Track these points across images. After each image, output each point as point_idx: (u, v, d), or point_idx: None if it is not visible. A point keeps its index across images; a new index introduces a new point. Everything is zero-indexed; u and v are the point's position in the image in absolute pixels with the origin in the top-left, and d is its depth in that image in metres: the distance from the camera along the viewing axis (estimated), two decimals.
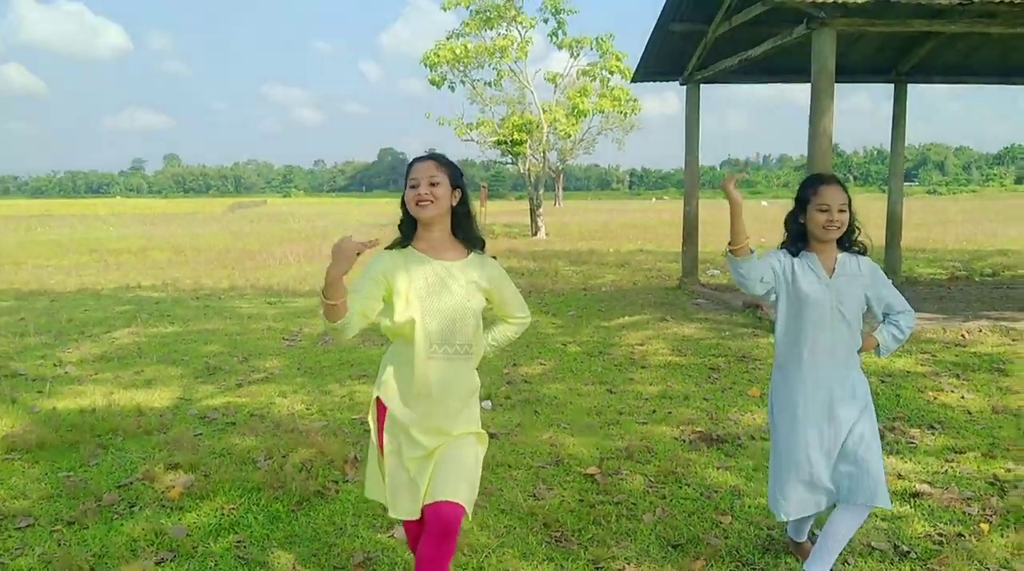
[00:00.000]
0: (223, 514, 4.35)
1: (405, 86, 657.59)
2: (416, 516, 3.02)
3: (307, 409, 6.33)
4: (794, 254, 3.51)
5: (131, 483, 4.80)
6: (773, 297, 3.58)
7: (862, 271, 3.51)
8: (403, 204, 3.08)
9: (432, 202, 3.01)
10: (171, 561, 3.85)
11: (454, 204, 3.07)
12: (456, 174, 3.09)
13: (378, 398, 3.11)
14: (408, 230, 3.10)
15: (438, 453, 3.04)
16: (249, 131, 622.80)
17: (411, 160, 3.14)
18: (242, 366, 7.86)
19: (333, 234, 30.33)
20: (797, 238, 3.52)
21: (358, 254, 2.75)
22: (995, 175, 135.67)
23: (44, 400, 6.62)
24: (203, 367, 7.80)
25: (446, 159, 3.12)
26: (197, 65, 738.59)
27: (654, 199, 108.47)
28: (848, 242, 3.52)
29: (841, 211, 3.38)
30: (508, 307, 3.32)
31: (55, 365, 7.96)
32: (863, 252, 3.54)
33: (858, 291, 3.51)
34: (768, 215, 46.35)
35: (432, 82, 29.83)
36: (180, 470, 4.96)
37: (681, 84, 13.04)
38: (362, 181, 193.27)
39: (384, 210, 62.57)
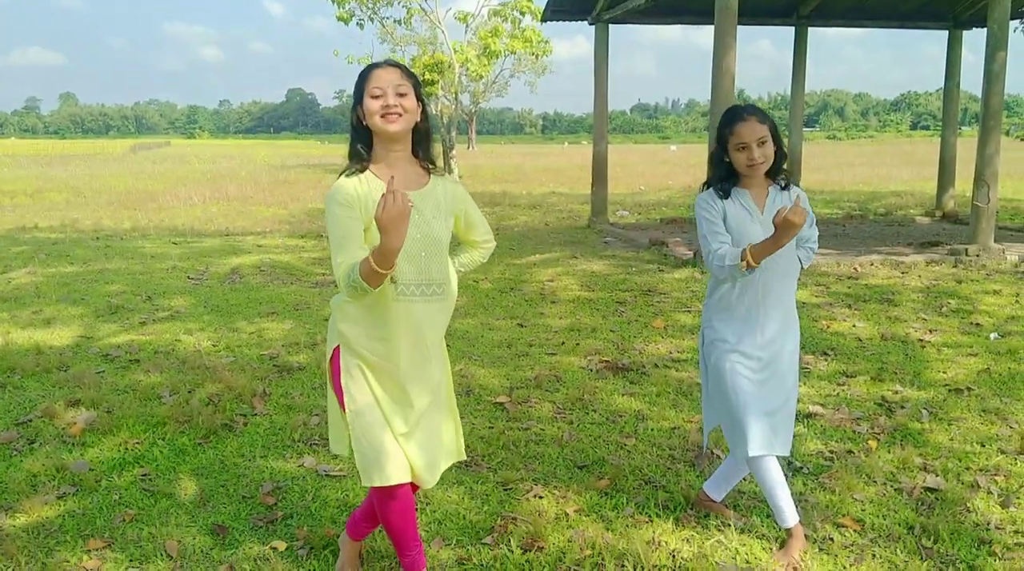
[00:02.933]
0: (127, 449, 4.29)
1: (312, 24, 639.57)
2: (402, 481, 2.78)
3: (214, 346, 6.24)
4: (724, 196, 3.30)
5: (30, 420, 4.67)
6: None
7: (791, 199, 3.27)
8: (354, 121, 2.74)
9: (401, 115, 2.66)
10: (73, 495, 3.79)
11: (418, 120, 2.73)
12: (419, 86, 2.75)
13: (336, 349, 2.80)
14: (362, 151, 2.73)
15: (424, 420, 2.82)
16: (150, 70, 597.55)
17: (366, 67, 2.74)
18: (146, 305, 7.67)
19: (240, 173, 29.58)
20: (725, 178, 3.31)
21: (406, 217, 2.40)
22: (892, 121, 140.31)
23: None
24: (105, 306, 7.58)
25: (407, 68, 2.76)
26: (94, 2, 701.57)
27: (567, 143, 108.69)
28: (777, 173, 3.34)
29: (762, 144, 3.19)
30: (475, 231, 2.99)
31: None
32: (788, 185, 3.38)
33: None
34: (676, 159, 47.13)
35: (340, 19, 29.02)
36: (81, 407, 4.85)
37: (590, 24, 13.03)
38: (270, 122, 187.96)
39: (295, 152, 61.16)
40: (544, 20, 13.60)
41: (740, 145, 3.20)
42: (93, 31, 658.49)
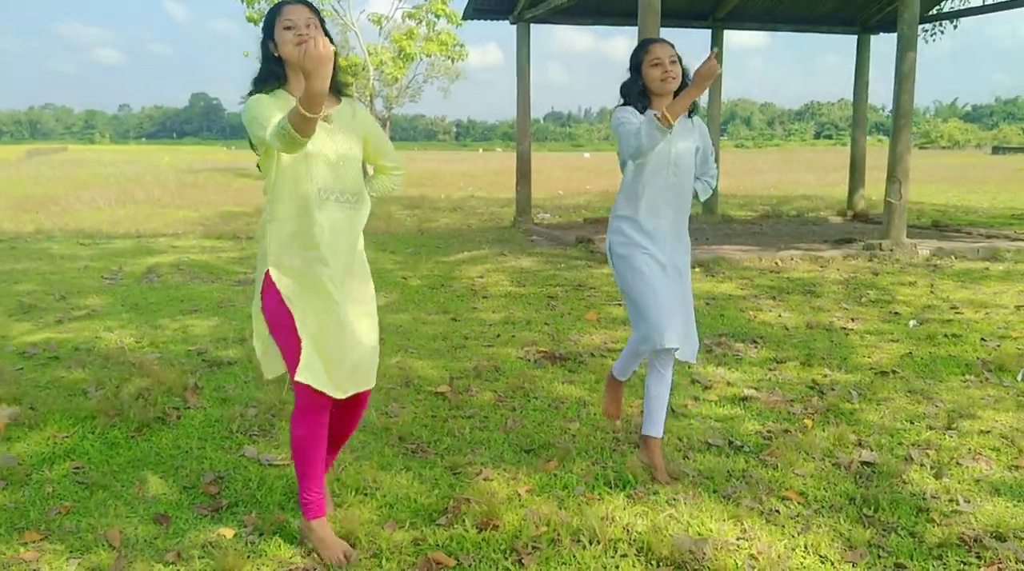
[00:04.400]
0: (56, 442, 4.10)
1: (216, 27, 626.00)
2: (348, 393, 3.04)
3: (137, 343, 6.02)
4: (641, 111, 3.59)
5: None
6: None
7: (694, 125, 3.74)
8: (265, 54, 2.97)
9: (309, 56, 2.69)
10: (3, 489, 3.60)
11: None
12: (323, 22, 2.98)
13: (267, 273, 2.99)
14: (277, 72, 2.96)
15: (352, 327, 3.03)
16: (44, 73, 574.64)
17: (277, 4, 2.98)
18: (60, 304, 7.35)
19: (146, 177, 28.66)
20: (638, 99, 3.63)
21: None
22: (796, 130, 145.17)
23: None
24: (16, 305, 7.24)
25: (313, 5, 2.99)
26: None
27: (482, 150, 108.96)
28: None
29: (672, 63, 3.55)
30: (385, 156, 3.27)
31: None
32: (691, 113, 3.73)
33: (691, 144, 3.71)
34: (590, 165, 47.72)
35: (250, 19, 28.44)
36: (2, 403, 4.61)
37: (512, 23, 13.10)
38: (172, 127, 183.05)
39: (201, 157, 59.63)
40: (466, 19, 13.60)
41: (655, 61, 3.56)
42: None
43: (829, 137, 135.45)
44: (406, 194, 22.73)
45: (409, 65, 31.75)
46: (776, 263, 9.23)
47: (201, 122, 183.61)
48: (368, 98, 31.73)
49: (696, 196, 3.88)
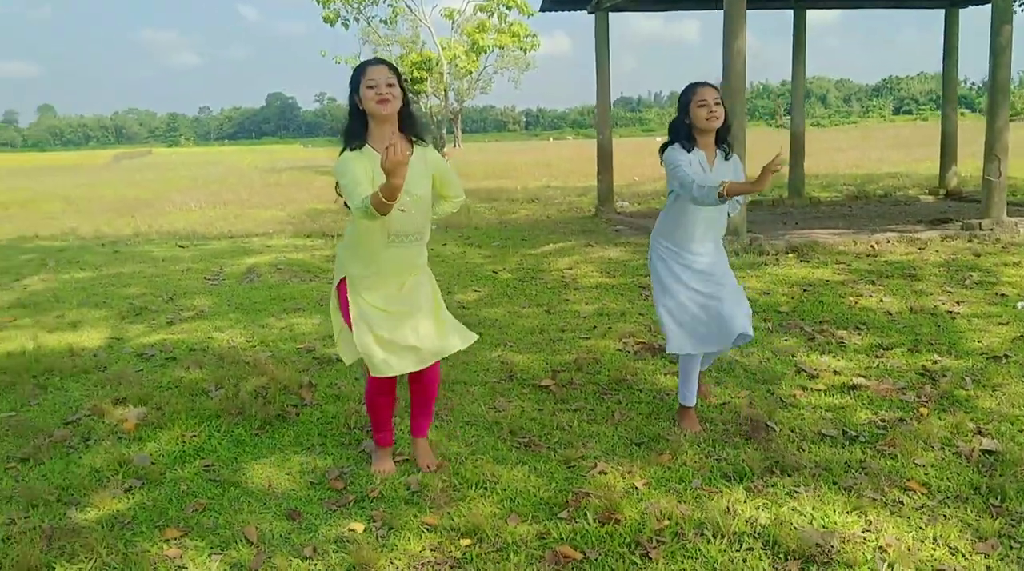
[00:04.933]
0: (184, 441, 4.29)
1: (287, 28, 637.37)
2: (384, 374, 3.62)
3: (248, 342, 6.23)
4: (688, 150, 4.10)
5: (79, 419, 4.66)
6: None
7: (729, 164, 4.21)
8: (352, 107, 3.50)
9: (392, 100, 3.42)
10: (140, 488, 3.78)
11: (402, 104, 3.48)
12: (401, 78, 3.50)
13: (343, 280, 3.64)
14: (359, 129, 3.48)
15: (407, 327, 3.61)
16: (127, 79, 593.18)
17: (361, 64, 3.51)
18: (169, 306, 7.64)
19: (231, 178, 29.46)
20: (687, 138, 4.11)
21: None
22: (875, 106, 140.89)
23: None
24: (128, 308, 7.55)
25: (392, 64, 3.53)
26: (63, 11, 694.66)
27: (552, 139, 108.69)
28: (722, 139, 4.17)
29: (717, 104, 4.02)
30: (449, 187, 3.79)
31: None
32: (729, 154, 4.22)
33: (728, 177, 4.09)
34: None
35: (326, 19, 28.91)
36: (129, 404, 4.84)
37: (589, 13, 13.03)
38: (251, 128, 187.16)
39: (280, 156, 60.92)
40: (544, 11, 13.58)
41: (701, 102, 4.03)
42: (66, 41, 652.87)
43: (909, 112, 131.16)
44: (483, 187, 22.87)
45: (481, 58, 31.89)
46: (872, 246, 9.03)
47: (278, 121, 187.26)
48: (443, 92, 31.99)
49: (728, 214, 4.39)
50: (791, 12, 13.83)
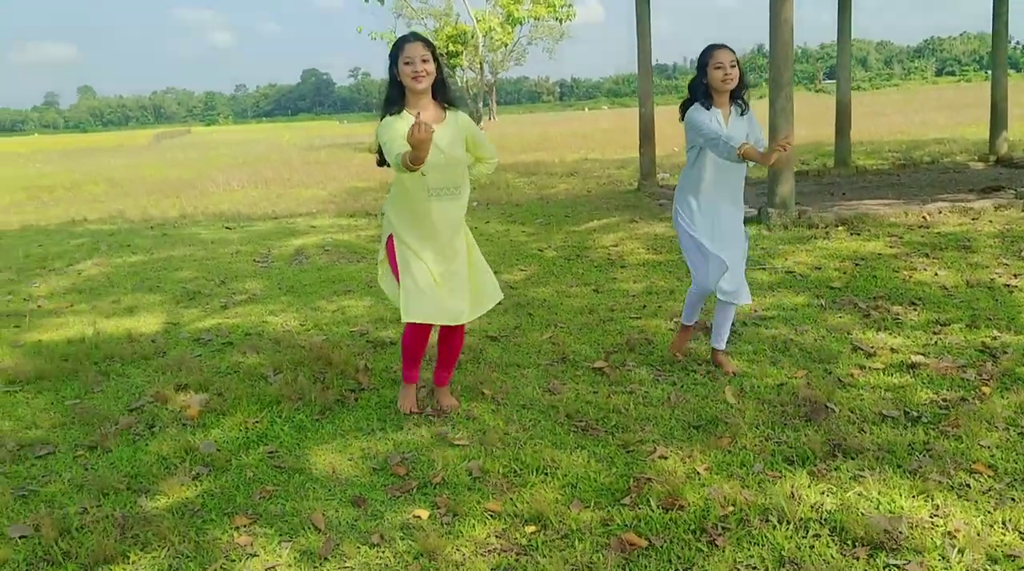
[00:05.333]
0: (247, 428, 4.36)
1: (321, 3, 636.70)
2: (423, 321, 4.11)
3: (302, 325, 6.30)
4: (707, 108, 4.51)
5: (142, 406, 4.76)
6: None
7: (744, 119, 4.58)
8: (391, 78, 3.98)
9: (426, 76, 3.90)
10: (208, 475, 3.86)
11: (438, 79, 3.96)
12: (435, 50, 3.95)
13: (390, 236, 4.15)
14: (397, 98, 3.96)
15: (451, 278, 4.13)
16: (164, 58, 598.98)
17: (399, 40, 3.96)
18: (221, 289, 7.75)
19: (271, 156, 29.67)
20: (704, 96, 4.52)
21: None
22: (916, 68, 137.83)
23: (26, 334, 6.47)
24: (182, 292, 7.67)
25: (428, 39, 3.97)
26: None
27: (587, 109, 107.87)
28: (739, 97, 4.57)
29: (732, 66, 4.41)
30: (482, 149, 4.23)
31: (25, 300, 7.74)
32: (745, 110, 4.59)
33: (742, 134, 4.51)
34: None
35: None
36: (190, 390, 4.93)
37: None
38: (287, 105, 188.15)
39: (317, 133, 61.17)
40: None
41: (717, 64, 4.42)
42: (102, 21, 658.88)
43: (952, 74, 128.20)
44: (520, 161, 22.78)
45: (516, 29, 31.67)
46: (924, 217, 8.86)
47: (314, 98, 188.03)
48: (478, 65, 31.86)
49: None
50: None
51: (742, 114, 4.59)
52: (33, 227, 13.65)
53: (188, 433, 4.33)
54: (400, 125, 3.82)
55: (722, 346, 4.96)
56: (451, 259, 4.13)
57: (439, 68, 3.94)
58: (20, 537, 3.35)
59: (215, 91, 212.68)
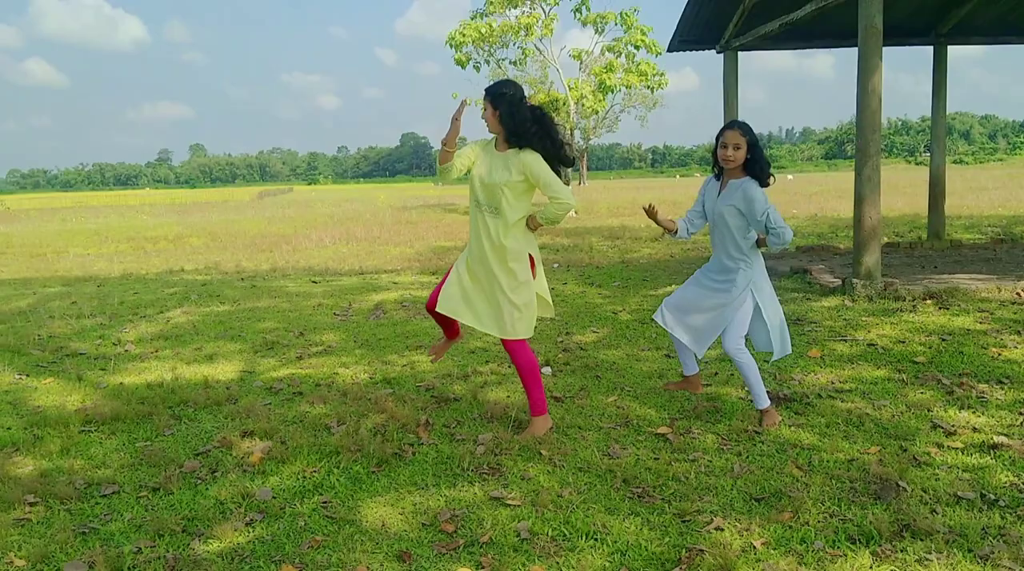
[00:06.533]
0: (305, 477, 4.41)
1: (421, 70, 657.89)
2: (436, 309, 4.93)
3: (371, 379, 6.38)
4: (716, 178, 5.01)
5: (208, 451, 4.86)
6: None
7: (737, 192, 4.82)
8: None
9: (489, 124, 4.71)
10: (261, 522, 3.90)
11: (499, 117, 4.61)
12: (497, 102, 4.61)
13: None
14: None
15: (465, 291, 4.84)
16: (271, 119, 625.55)
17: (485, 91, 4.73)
18: (299, 340, 7.92)
19: (364, 215, 30.48)
20: (717, 168, 4.98)
21: (458, 119, 4.59)
22: (1023, 143, 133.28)
23: (109, 376, 6.72)
24: (261, 342, 7.87)
25: (491, 94, 4.64)
26: (214, 55, 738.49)
27: (678, 176, 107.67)
28: (752, 173, 4.82)
29: (736, 149, 4.76)
30: (547, 189, 4.64)
31: (114, 344, 8.07)
32: (759, 182, 4.82)
33: (731, 207, 4.83)
34: (793, 188, 46.03)
35: (457, 62, 29.74)
36: (255, 437, 5.02)
37: (718, 52, 12.89)
38: (385, 166, 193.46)
39: (413, 194, 62.65)
40: (671, 51, 13.50)
41: (722, 143, 4.82)
42: (216, 83, 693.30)
43: None
44: (605, 225, 22.84)
45: (608, 97, 32.02)
46: (1018, 294, 8.47)
47: (411, 160, 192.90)
48: (568, 131, 32.22)
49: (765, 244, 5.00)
50: (931, 49, 13.31)
51: (742, 187, 4.84)
52: (133, 276, 14.28)
53: (248, 479, 4.40)
54: (472, 149, 4.85)
55: (759, 405, 5.09)
56: (474, 272, 4.79)
57: (500, 114, 4.61)
58: None
59: (318, 152, 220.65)
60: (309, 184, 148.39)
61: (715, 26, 12.50)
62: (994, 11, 12.62)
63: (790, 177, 72.03)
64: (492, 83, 4.67)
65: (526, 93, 4.88)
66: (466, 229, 23.30)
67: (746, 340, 5.04)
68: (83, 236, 25.97)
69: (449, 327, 5.23)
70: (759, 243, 4.95)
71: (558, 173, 4.67)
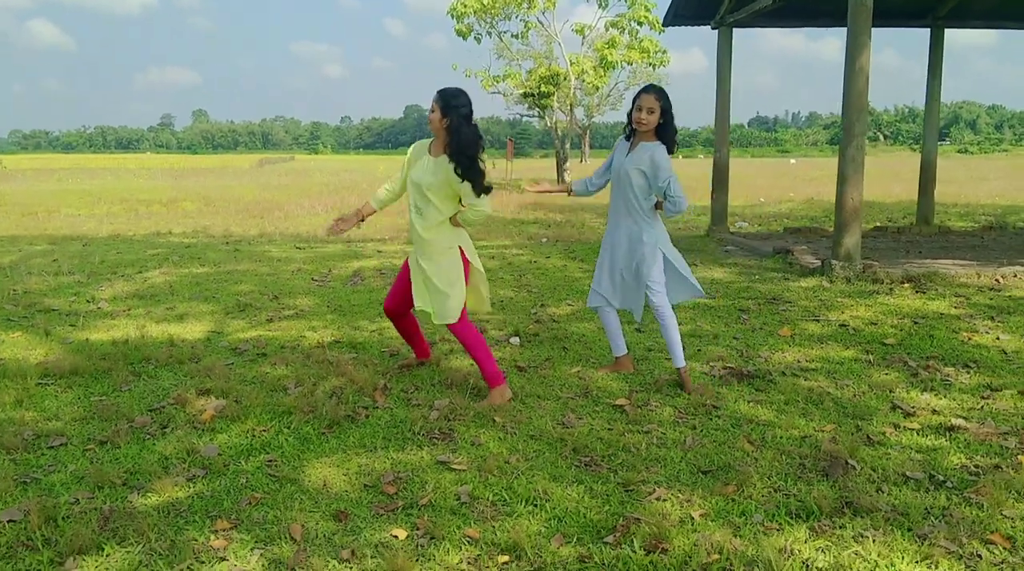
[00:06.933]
0: (254, 435, 4.39)
1: (429, 42, 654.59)
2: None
3: (337, 342, 6.35)
4: (627, 138, 5.22)
5: (163, 407, 4.84)
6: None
7: (645, 154, 5.05)
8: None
9: (432, 125, 4.81)
10: (203, 478, 3.88)
11: (446, 126, 4.69)
12: (448, 110, 4.67)
13: None
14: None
15: (412, 281, 5.03)
16: (276, 87, 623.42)
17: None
18: (272, 304, 7.89)
19: (361, 185, 30.36)
20: (631, 130, 5.16)
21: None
22: None
23: (77, 332, 6.69)
24: (234, 304, 7.84)
25: (444, 99, 4.70)
26: (223, 21, 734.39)
27: (681, 157, 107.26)
28: (664, 139, 5.05)
29: (650, 112, 4.95)
30: (464, 196, 4.82)
31: (88, 301, 8.03)
32: (668, 149, 5.06)
33: (637, 168, 5.07)
34: (796, 171, 45.87)
35: (458, 32, 29.54)
36: (211, 395, 4.99)
37: (713, 28, 12.77)
38: (388, 138, 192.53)
39: None
40: (666, 25, 13.38)
41: (638, 106, 4.99)
42: (224, 50, 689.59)
43: None
44: (602, 202, 22.63)
45: (610, 74, 31.76)
46: (997, 280, 8.44)
47: (414, 133, 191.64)
48: (569, 106, 32.03)
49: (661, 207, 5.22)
50: (928, 32, 13.18)
51: (671, 152, 5.09)
52: (120, 236, 14.23)
53: (196, 436, 4.38)
54: (410, 152, 5.06)
55: (677, 363, 5.26)
56: (416, 265, 4.98)
57: (447, 119, 4.68)
58: (9, 521, 3.41)
59: (321, 122, 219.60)
60: (311, 153, 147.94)
61: (710, 1, 12.37)
62: None
63: (793, 161, 71.75)
64: (447, 88, 4.74)
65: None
66: None
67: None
68: (76, 197, 25.88)
69: (416, 346, 5.63)
70: (657, 206, 5.20)
71: (481, 181, 4.74)
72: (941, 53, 13.08)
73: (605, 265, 5.38)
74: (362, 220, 5.20)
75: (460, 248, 4.91)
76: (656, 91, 5.00)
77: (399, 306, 5.24)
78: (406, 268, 5.11)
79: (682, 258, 5.36)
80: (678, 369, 5.23)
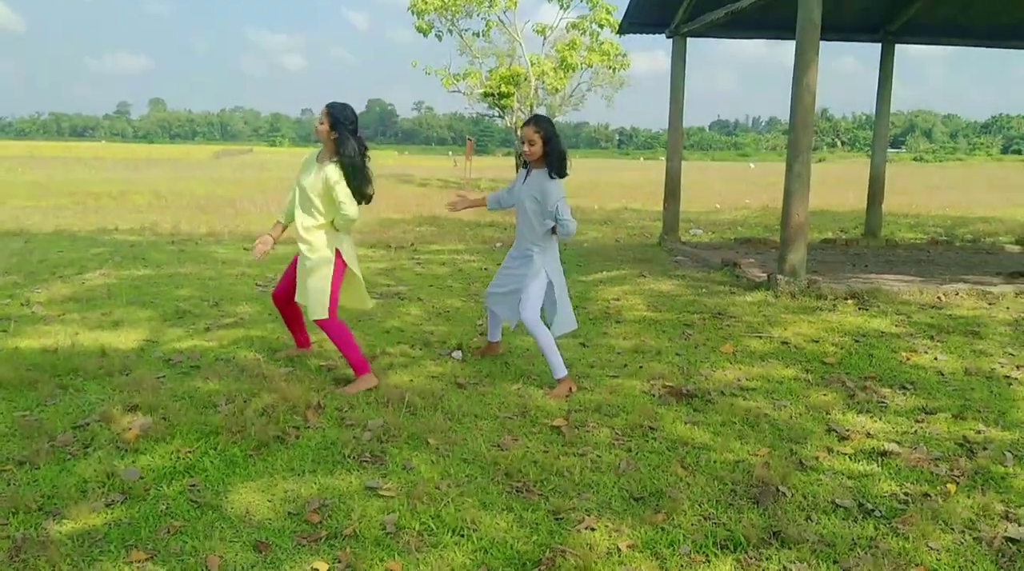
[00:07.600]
0: (179, 457, 4.27)
1: (393, 35, 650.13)
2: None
3: (273, 355, 6.23)
4: (525, 166, 5.67)
5: (87, 424, 4.69)
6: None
7: (537, 182, 5.47)
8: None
9: (320, 132, 5.30)
10: (121, 503, 3.76)
11: (334, 138, 5.25)
12: (336, 125, 5.23)
13: None
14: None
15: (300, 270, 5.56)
16: (235, 76, 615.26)
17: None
18: (212, 310, 7.73)
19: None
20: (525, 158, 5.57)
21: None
22: (982, 144, 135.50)
23: (7, 339, 6.49)
24: (173, 310, 7.67)
25: (333, 114, 5.25)
26: (179, 6, 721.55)
27: (643, 159, 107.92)
28: (550, 166, 5.41)
29: (531, 144, 5.37)
30: (338, 201, 5.22)
31: (22, 305, 7.81)
32: (557, 171, 5.43)
33: (531, 195, 5.49)
34: (754, 177, 46.31)
35: (419, 29, 29.40)
36: (139, 412, 4.86)
37: (667, 37, 12.81)
38: None
39: (372, 161, 61.85)
40: (621, 33, 13.39)
41: (521, 139, 5.47)
42: (180, 36, 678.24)
43: (1018, 152, 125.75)
44: None
45: (570, 75, 31.80)
46: (939, 297, 8.55)
47: (377, 127, 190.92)
48: (529, 106, 32.00)
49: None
50: (879, 47, 13.34)
51: (551, 178, 5.42)
52: (64, 232, 13.91)
53: (118, 457, 4.25)
54: (302, 163, 5.54)
55: (556, 374, 5.56)
56: (301, 263, 5.46)
57: (334, 129, 5.24)
58: None
59: (281, 113, 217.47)
60: (271, 145, 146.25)
61: (665, 10, 12.40)
62: (942, 12, 12.66)
63: (752, 165, 72.54)
64: (336, 102, 5.30)
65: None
66: (416, 201, 23.07)
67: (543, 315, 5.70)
68: (24, 188, 25.28)
69: (297, 335, 6.24)
70: (554, 230, 5.52)
71: (364, 187, 5.31)
72: (891, 67, 13.25)
73: (501, 273, 5.91)
74: (275, 240, 5.68)
75: (338, 251, 5.38)
76: (535, 122, 5.38)
77: (284, 295, 5.80)
78: (295, 262, 5.58)
79: (566, 290, 5.76)
80: (557, 380, 5.51)
